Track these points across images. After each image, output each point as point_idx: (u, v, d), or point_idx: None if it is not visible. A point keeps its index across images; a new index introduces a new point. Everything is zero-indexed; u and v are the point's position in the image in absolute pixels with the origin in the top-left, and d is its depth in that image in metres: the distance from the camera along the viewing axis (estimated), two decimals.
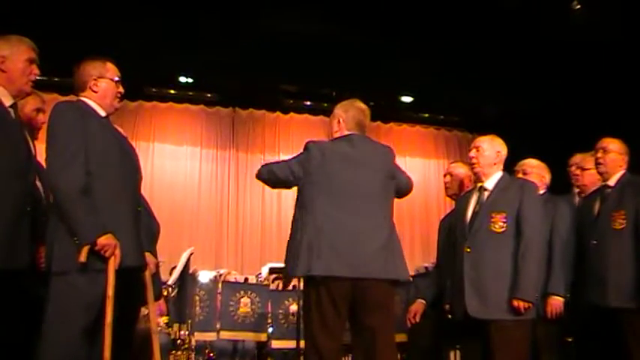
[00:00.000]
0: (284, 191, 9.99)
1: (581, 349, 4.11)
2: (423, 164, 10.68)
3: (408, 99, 9.61)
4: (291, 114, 10.27)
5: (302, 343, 5.78)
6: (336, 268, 3.13)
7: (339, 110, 3.52)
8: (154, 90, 9.50)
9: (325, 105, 9.38)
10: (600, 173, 4.08)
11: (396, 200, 3.51)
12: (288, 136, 10.18)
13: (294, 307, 5.92)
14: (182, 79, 9.01)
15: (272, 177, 3.42)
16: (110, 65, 3.21)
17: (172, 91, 9.60)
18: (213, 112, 9.98)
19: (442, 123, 10.80)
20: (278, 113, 10.24)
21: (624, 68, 7.65)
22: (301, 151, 3.40)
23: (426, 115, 10.55)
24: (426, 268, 6.96)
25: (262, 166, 3.52)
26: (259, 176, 3.48)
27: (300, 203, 3.32)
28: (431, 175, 10.70)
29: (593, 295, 3.82)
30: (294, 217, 3.35)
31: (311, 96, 9.94)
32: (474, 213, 3.79)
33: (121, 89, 3.24)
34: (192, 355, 5.67)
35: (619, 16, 6.88)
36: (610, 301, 3.74)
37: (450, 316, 3.83)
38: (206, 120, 9.95)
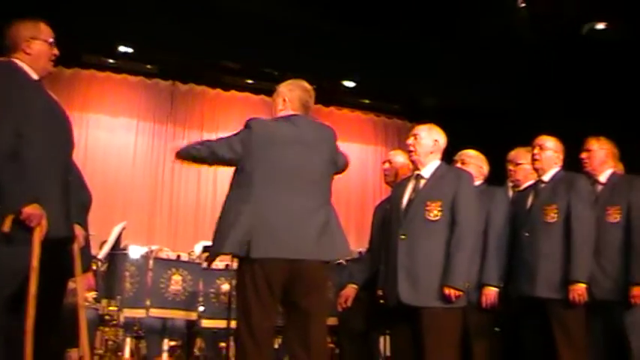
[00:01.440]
0: (220, 169, 9.93)
1: (509, 339, 4.18)
2: (361, 150, 10.70)
3: (351, 84, 9.59)
4: (232, 91, 10.13)
5: (233, 323, 5.77)
6: (274, 249, 3.06)
7: (284, 89, 3.44)
8: (91, 58, 9.20)
9: (267, 84, 9.27)
10: (536, 169, 4.14)
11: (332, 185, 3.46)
12: (228, 113, 10.04)
13: (226, 287, 5.86)
14: (122, 49, 8.74)
15: (211, 155, 3.25)
16: (44, 26, 3.08)
17: (111, 61, 9.31)
18: (153, 84, 9.75)
19: (383, 110, 10.84)
20: (219, 90, 10.08)
21: (566, 66, 7.82)
22: (242, 128, 3.29)
23: (367, 101, 10.56)
24: (360, 253, 6.96)
25: (198, 144, 3.35)
26: (195, 154, 3.28)
27: (237, 182, 3.21)
28: (369, 161, 10.74)
29: (524, 285, 3.89)
30: (228, 195, 3.22)
31: (253, 74, 9.81)
32: (410, 200, 3.80)
33: (56, 51, 3.10)
34: (120, 332, 5.55)
35: (561, 14, 7.00)
36: (539, 291, 3.81)
37: (382, 301, 3.83)
38: (144, 92, 9.72)
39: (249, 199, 3.11)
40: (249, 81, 9.99)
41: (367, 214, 10.08)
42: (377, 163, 10.61)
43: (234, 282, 5.57)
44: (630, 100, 7.34)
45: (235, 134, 3.27)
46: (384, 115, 10.89)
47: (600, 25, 7.31)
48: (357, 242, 9.45)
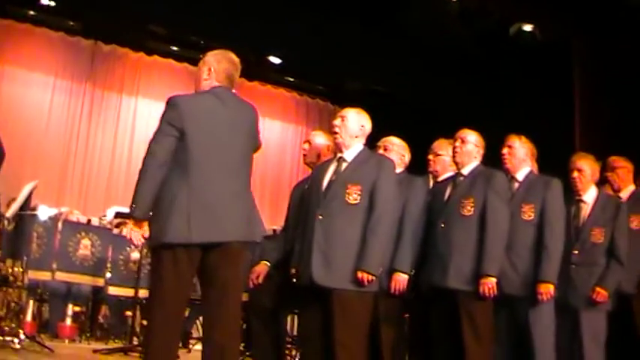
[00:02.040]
0: (136, 133, 9.71)
1: (417, 327, 4.24)
2: (281, 128, 10.67)
3: (277, 60, 9.52)
4: (155, 57, 9.88)
5: (141, 293, 5.66)
6: (211, 234, 3.07)
7: (211, 59, 3.33)
8: (12, 8, 8.75)
9: (191, 53, 9.09)
10: (456, 162, 4.18)
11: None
12: (149, 79, 9.81)
13: (135, 255, 5.73)
14: (44, 1, 8.36)
15: (163, 154, 3.08)
16: None
17: (32, 12, 8.89)
18: (74, 42, 9.39)
19: (306, 90, 10.83)
20: (142, 54, 9.81)
21: (493, 64, 8.00)
22: (165, 108, 3.14)
23: (292, 79, 10.52)
24: (274, 230, 6.96)
25: (149, 156, 3.08)
26: (152, 187, 3.06)
27: (174, 160, 3.10)
28: (288, 139, 10.72)
29: (435, 275, 3.91)
30: (167, 174, 3.10)
31: (178, 42, 9.60)
32: (330, 182, 3.77)
33: None
34: (24, 294, 5.34)
35: (491, 12, 7.14)
36: (450, 282, 3.85)
37: (294, 280, 3.81)
38: (65, 49, 9.35)
39: (185, 182, 3.06)
40: (174, 48, 9.77)
41: (283, 192, 10.13)
42: (296, 142, 10.63)
43: (145, 251, 5.48)
44: (552, 102, 7.60)
45: (162, 120, 3.13)
46: (307, 94, 10.89)
47: (528, 27, 7.51)
48: (272, 220, 9.46)
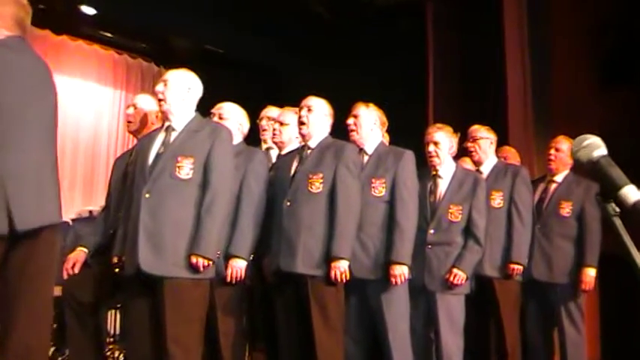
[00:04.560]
0: None
1: (261, 316, 4.29)
2: (96, 91, 10.29)
3: (91, 11, 9.15)
4: None
5: None
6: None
7: None
8: None
9: None
10: (303, 134, 4.24)
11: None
12: None
13: None
14: None
15: None
16: None
17: None
18: None
19: (126, 47, 10.51)
20: None
21: (340, 24, 8.16)
22: None
23: (109, 34, 10.16)
24: (90, 212, 6.76)
25: None
26: None
27: None
28: (104, 104, 10.38)
29: (282, 259, 3.95)
30: None
31: None
32: (158, 155, 3.71)
33: None
34: None
35: None
36: (298, 266, 3.91)
37: (117, 270, 3.72)
38: None
39: None
40: None
41: (100, 166, 9.85)
42: (114, 108, 10.35)
43: None
44: (406, 69, 7.89)
45: None
46: (127, 53, 10.57)
47: None
48: (87, 199, 9.19)
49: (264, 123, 4.92)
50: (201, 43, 9.68)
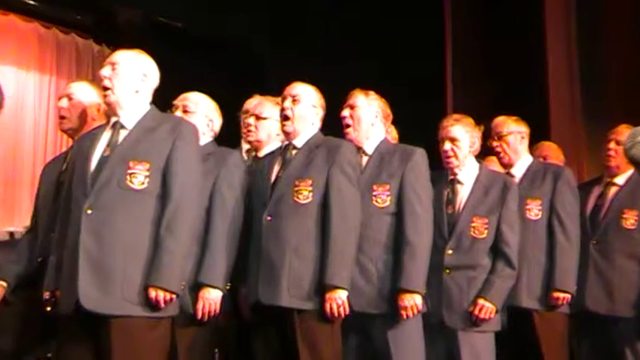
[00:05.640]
0: None
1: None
2: (16, 77, 10.26)
3: None
4: None
5: None
6: None
7: None
8: None
9: None
10: (287, 131, 4.29)
11: None
12: None
13: None
14: None
15: None
16: None
17: None
18: None
19: (56, 20, 10.50)
20: None
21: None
22: None
23: (32, 1, 10.15)
24: (11, 234, 6.80)
25: None
26: None
27: None
28: (27, 94, 10.34)
29: (262, 289, 3.99)
30: None
31: None
32: (103, 159, 3.74)
33: None
34: None
35: None
36: (282, 298, 3.94)
37: (49, 308, 3.75)
38: None
39: None
40: None
41: (22, 175, 9.82)
42: (42, 97, 10.31)
43: None
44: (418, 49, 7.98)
45: None
46: (57, 27, 10.55)
47: None
48: (6, 218, 9.19)
49: (246, 118, 4.90)
50: (155, 15, 9.71)
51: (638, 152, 1.97)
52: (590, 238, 5.00)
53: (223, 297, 4.08)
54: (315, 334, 3.96)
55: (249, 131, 4.70)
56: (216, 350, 4.33)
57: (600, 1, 7.19)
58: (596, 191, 5.24)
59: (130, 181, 3.67)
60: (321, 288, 3.96)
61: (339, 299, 3.93)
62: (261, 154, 4.64)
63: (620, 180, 5.17)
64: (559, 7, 7.40)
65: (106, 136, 3.84)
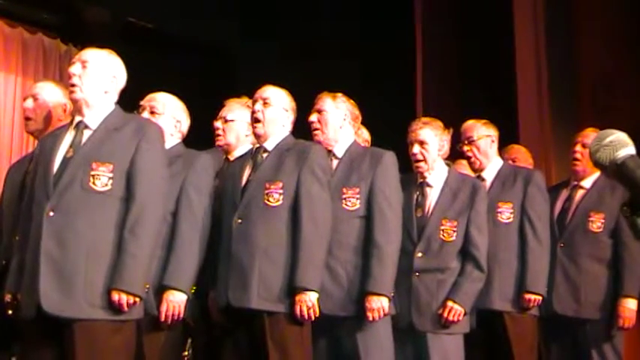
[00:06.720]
0: None
1: None
2: None
3: None
4: None
5: None
6: None
7: None
8: None
9: None
10: (257, 134, 4.28)
11: None
12: None
13: None
14: None
15: None
16: None
17: None
18: None
19: (23, 19, 10.41)
20: None
21: None
22: None
23: None
24: None
25: None
26: None
27: None
28: None
29: (232, 292, 3.98)
30: None
31: None
32: (65, 160, 3.71)
33: None
34: None
35: None
36: (252, 301, 3.94)
37: (10, 311, 3.69)
38: None
39: None
40: None
41: None
42: (6, 100, 10.22)
43: None
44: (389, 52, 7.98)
45: None
46: (23, 26, 10.46)
47: None
48: None
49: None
50: (124, 15, 9.66)
51: (603, 156, 1.94)
52: (557, 241, 5.04)
53: (190, 300, 4.07)
54: (285, 336, 3.97)
55: (217, 135, 4.67)
56: (185, 354, 4.30)
57: (569, 2, 7.21)
58: (564, 194, 5.28)
59: (93, 183, 3.63)
60: (291, 290, 3.98)
61: (309, 302, 3.95)
62: (233, 156, 4.61)
63: (587, 183, 5.20)
64: (528, 8, 7.42)
65: (69, 137, 3.80)
